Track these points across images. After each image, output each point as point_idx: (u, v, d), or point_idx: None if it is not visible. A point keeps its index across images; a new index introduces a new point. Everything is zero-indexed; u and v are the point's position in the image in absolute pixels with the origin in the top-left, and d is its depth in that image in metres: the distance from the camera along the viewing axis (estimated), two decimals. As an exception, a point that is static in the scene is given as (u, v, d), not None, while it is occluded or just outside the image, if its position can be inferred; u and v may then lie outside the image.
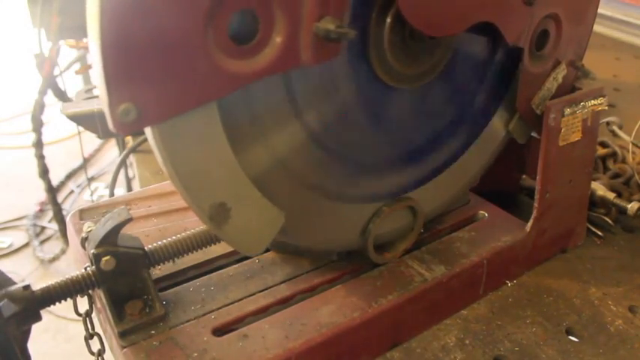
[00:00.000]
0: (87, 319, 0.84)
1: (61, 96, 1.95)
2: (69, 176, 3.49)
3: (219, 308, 0.82)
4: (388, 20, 0.73)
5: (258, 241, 0.74)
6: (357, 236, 0.88)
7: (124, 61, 0.54)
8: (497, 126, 0.97)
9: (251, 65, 0.62)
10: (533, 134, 0.97)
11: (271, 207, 0.73)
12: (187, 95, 0.59)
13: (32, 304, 0.74)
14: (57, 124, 2.65)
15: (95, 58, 0.53)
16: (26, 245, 3.01)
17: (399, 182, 0.89)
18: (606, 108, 0.97)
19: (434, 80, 0.83)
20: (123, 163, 2.34)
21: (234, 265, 0.90)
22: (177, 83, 0.58)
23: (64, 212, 2.52)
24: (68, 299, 0.78)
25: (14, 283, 0.76)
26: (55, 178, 3.16)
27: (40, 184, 2.17)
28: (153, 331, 0.77)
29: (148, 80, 0.56)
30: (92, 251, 0.75)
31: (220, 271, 0.89)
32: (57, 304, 0.77)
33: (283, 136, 0.73)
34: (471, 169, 0.99)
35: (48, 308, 0.76)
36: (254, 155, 0.71)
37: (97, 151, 3.65)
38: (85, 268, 0.78)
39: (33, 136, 2.02)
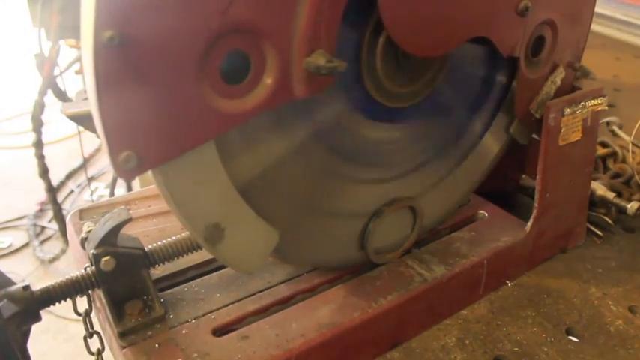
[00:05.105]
0: (86, 318, 0.84)
1: (61, 96, 1.95)
2: (69, 176, 3.50)
3: (219, 308, 0.82)
4: (381, 40, 0.73)
5: (252, 261, 0.74)
6: (355, 252, 0.88)
7: (122, 113, 0.55)
8: (491, 141, 0.97)
9: (245, 103, 0.63)
10: (534, 135, 0.97)
11: (265, 226, 0.73)
12: (185, 139, 0.61)
13: (32, 305, 0.75)
14: (57, 124, 2.65)
15: (94, 111, 0.55)
16: (26, 245, 3.01)
17: (394, 198, 0.89)
18: (606, 108, 0.97)
19: (428, 97, 0.83)
20: (123, 163, 2.34)
21: (234, 265, 0.90)
22: (175, 129, 0.59)
23: (64, 212, 2.52)
24: (68, 299, 0.78)
25: (14, 283, 0.76)
26: (55, 178, 3.16)
27: (40, 184, 2.17)
28: (152, 332, 0.77)
29: (146, 129, 0.57)
30: (92, 251, 0.75)
31: (220, 271, 0.89)
32: (57, 304, 0.77)
33: (272, 149, 0.73)
34: (466, 184, 0.99)
35: (48, 308, 0.77)
36: (241, 164, 0.71)
37: (97, 151, 3.64)
38: (85, 268, 0.78)
39: (33, 136, 2.03)
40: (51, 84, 1.90)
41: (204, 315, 0.80)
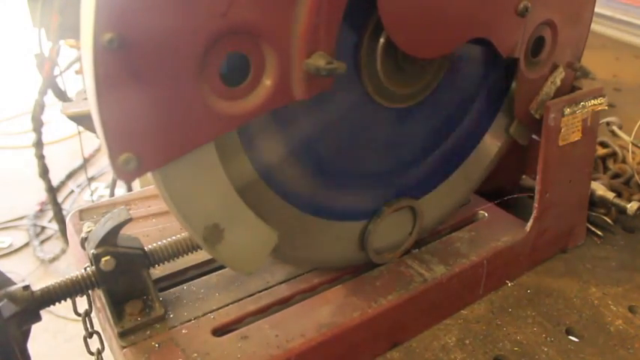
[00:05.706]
0: (86, 318, 0.84)
1: (61, 96, 1.95)
2: (69, 176, 3.49)
3: (219, 308, 0.82)
4: (381, 41, 0.73)
5: (251, 261, 0.74)
6: (355, 253, 0.88)
7: (122, 115, 0.55)
8: (491, 141, 0.97)
9: (245, 105, 0.63)
10: (534, 135, 0.97)
11: (264, 227, 0.73)
12: (184, 140, 0.61)
13: (32, 305, 0.75)
14: (57, 124, 2.65)
15: (94, 113, 0.55)
16: (26, 245, 3.00)
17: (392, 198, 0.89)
18: (606, 108, 0.97)
19: (427, 98, 0.83)
20: (123, 163, 2.34)
21: (234, 265, 0.90)
22: (174, 130, 0.59)
23: (64, 212, 2.52)
24: (68, 299, 0.78)
25: (14, 283, 0.76)
26: (55, 178, 3.16)
27: (40, 184, 2.17)
28: (152, 332, 0.77)
29: (146, 131, 0.58)
30: (92, 251, 0.75)
31: (220, 271, 0.89)
32: (57, 304, 0.77)
33: (268, 150, 0.73)
34: (466, 184, 0.99)
35: (48, 308, 0.77)
36: (240, 165, 0.71)
37: (97, 151, 3.64)
38: (85, 269, 0.78)
39: (33, 136, 2.02)
40: (51, 84, 1.90)
41: (204, 315, 0.80)
